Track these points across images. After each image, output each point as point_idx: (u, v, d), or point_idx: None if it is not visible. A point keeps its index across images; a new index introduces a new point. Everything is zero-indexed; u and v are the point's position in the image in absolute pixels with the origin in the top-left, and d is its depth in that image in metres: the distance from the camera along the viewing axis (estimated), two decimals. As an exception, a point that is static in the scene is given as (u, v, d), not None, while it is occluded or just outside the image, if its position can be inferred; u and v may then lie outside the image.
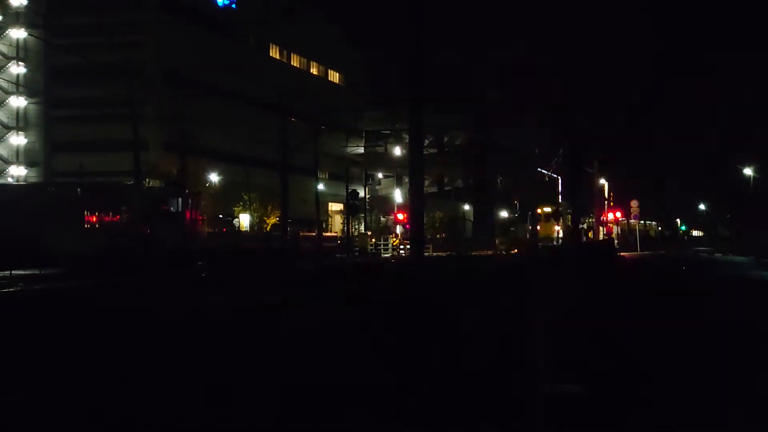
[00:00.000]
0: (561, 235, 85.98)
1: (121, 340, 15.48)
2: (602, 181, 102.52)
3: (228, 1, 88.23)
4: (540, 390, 9.09)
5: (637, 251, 79.77)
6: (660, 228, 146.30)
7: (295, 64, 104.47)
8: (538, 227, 78.24)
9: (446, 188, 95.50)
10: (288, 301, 23.25)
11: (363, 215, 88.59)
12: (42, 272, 39.04)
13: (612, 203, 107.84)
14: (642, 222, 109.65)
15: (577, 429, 9.35)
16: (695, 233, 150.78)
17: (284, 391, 10.94)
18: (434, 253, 62.10)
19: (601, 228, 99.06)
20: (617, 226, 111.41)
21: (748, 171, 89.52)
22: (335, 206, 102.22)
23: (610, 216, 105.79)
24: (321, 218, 74.77)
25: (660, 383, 11.64)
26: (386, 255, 72.68)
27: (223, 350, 14.31)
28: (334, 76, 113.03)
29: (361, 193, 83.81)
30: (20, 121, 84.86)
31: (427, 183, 60.44)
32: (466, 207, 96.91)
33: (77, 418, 9.76)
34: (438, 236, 78.85)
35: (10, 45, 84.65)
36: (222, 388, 11.17)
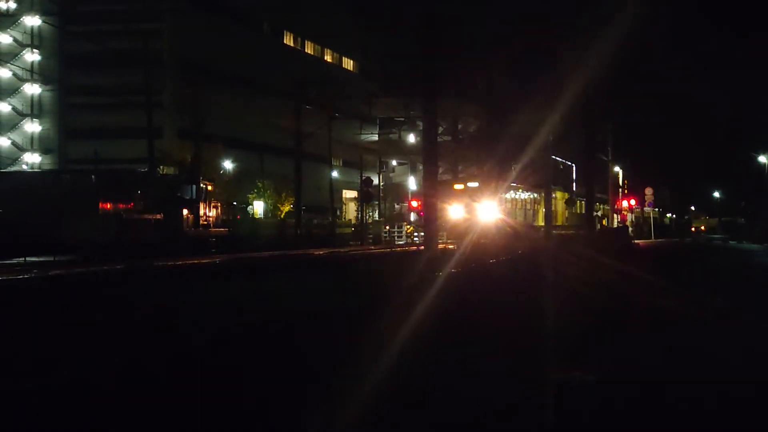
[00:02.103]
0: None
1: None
2: (616, 168, 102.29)
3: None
4: (551, 378, 9.09)
5: (651, 239, 79.60)
6: (674, 216, 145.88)
7: (309, 52, 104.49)
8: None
9: (460, 176, 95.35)
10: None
11: (377, 202, 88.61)
12: (56, 259, 39.17)
13: (626, 191, 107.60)
14: (656, 209, 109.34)
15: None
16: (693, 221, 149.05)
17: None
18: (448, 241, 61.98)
19: (615, 215, 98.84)
20: (632, 213, 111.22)
21: (763, 159, 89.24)
22: (349, 193, 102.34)
23: (624, 204, 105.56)
24: (335, 206, 74.85)
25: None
26: (400, 242, 72.68)
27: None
28: (348, 64, 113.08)
29: (375, 181, 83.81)
30: (35, 109, 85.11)
31: (441, 170, 60.49)
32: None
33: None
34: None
35: (25, 32, 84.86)
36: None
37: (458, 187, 59.58)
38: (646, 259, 42.05)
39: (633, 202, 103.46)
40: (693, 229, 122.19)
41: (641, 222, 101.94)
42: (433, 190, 42.23)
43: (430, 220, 39.70)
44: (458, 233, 52.49)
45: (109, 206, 52.78)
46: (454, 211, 57.18)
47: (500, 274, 26.69)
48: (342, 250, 57.17)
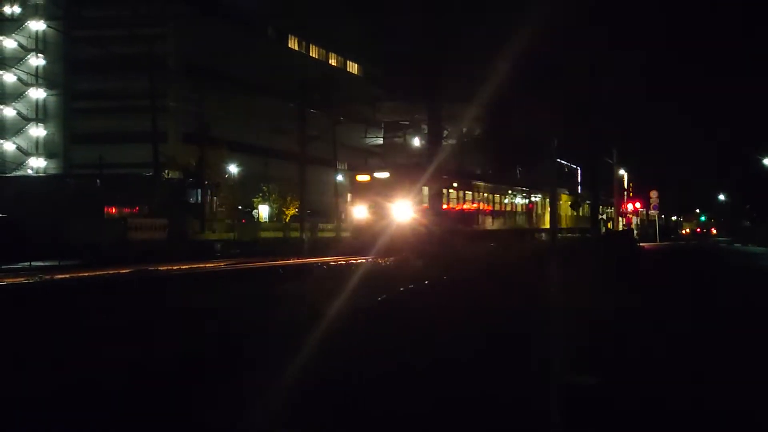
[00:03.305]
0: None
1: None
2: (621, 171, 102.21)
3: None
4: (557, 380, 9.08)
5: (656, 242, 79.50)
6: (681, 219, 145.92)
7: (314, 56, 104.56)
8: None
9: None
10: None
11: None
12: (61, 263, 39.17)
13: (631, 194, 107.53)
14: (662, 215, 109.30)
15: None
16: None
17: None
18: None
19: (620, 218, 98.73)
20: (637, 216, 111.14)
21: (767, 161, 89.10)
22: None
23: (630, 207, 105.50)
24: (340, 209, 74.82)
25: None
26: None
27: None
28: (352, 67, 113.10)
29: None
30: (40, 113, 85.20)
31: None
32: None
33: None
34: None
35: (30, 37, 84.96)
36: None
37: (362, 178, 48.07)
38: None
39: (638, 205, 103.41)
40: (684, 232, 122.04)
41: (646, 225, 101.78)
42: (439, 197, 42.99)
43: (436, 224, 40.13)
44: (364, 240, 43.86)
45: (114, 210, 52.88)
46: (358, 211, 46.80)
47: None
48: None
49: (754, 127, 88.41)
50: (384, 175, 47.48)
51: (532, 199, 69.56)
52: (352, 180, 50.31)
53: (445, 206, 49.17)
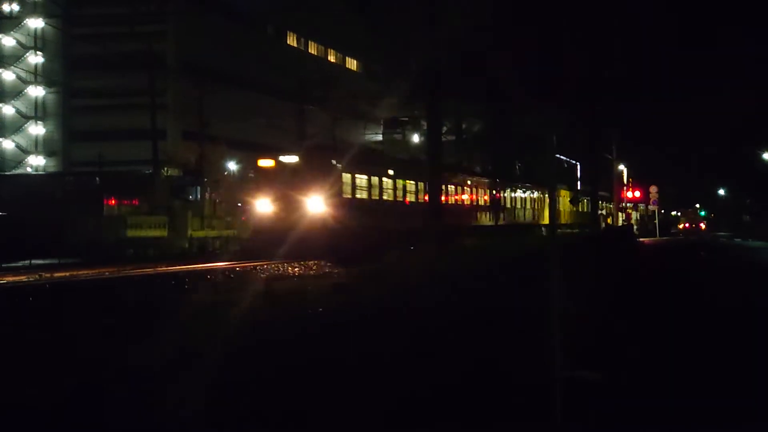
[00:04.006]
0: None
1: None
2: (621, 166, 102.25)
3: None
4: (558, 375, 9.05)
5: (656, 237, 79.51)
6: (679, 214, 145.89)
7: (312, 52, 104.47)
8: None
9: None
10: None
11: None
12: (61, 261, 39.19)
13: (631, 189, 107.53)
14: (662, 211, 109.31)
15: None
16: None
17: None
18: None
19: (620, 214, 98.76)
20: (636, 212, 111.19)
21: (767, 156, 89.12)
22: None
23: (629, 195, 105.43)
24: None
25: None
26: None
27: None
28: (351, 64, 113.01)
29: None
30: (39, 111, 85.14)
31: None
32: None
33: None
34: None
35: (28, 35, 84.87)
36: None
37: (265, 164, 40.27)
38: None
39: (638, 194, 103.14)
40: (681, 226, 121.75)
41: (646, 220, 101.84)
42: (438, 193, 41.70)
43: (434, 218, 39.58)
44: (266, 240, 37.25)
45: (113, 207, 52.84)
46: (261, 205, 39.23)
47: None
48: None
49: (755, 122, 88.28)
50: (292, 159, 39.70)
51: (506, 192, 65.58)
52: (254, 166, 42.27)
53: (386, 198, 43.78)
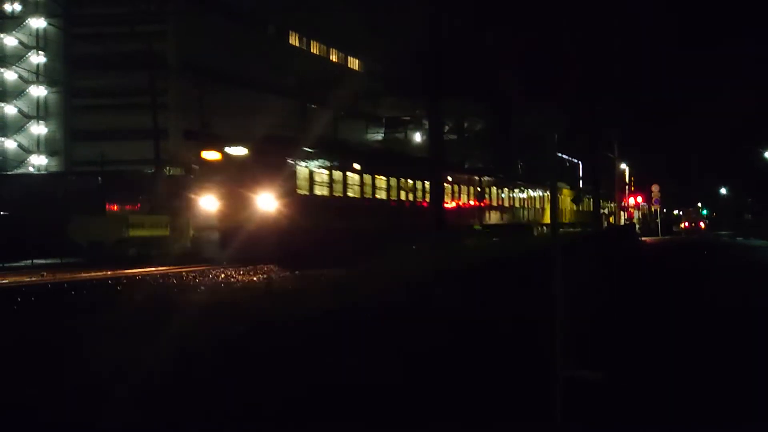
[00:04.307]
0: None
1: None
2: (623, 165, 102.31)
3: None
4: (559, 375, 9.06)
5: (658, 236, 79.52)
6: (681, 213, 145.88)
7: (314, 52, 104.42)
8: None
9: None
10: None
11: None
12: (63, 261, 39.23)
13: (633, 188, 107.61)
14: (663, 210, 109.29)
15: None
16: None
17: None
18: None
19: (622, 213, 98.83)
20: (638, 210, 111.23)
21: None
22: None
23: (631, 201, 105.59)
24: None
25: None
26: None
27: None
28: (353, 63, 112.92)
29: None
30: (40, 111, 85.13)
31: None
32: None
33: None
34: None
35: (30, 34, 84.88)
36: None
37: (210, 156, 36.11)
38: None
39: (639, 199, 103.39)
40: (683, 225, 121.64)
41: (648, 219, 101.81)
42: (440, 193, 41.27)
43: (437, 217, 39.38)
44: (212, 241, 34.76)
45: (115, 208, 52.87)
46: (205, 202, 35.28)
47: None
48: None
49: (757, 121, 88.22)
50: (241, 150, 35.60)
51: (508, 191, 64.43)
52: (197, 157, 37.33)
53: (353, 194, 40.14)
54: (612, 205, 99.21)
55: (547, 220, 67.55)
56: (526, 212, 68.99)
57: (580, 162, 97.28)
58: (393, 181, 44.30)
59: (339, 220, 37.40)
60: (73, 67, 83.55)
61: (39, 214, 46.36)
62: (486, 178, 60.13)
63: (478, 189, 57.35)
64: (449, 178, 52.53)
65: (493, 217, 60.03)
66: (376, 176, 42.50)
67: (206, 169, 36.18)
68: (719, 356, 12.29)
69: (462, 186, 53.72)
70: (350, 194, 39.74)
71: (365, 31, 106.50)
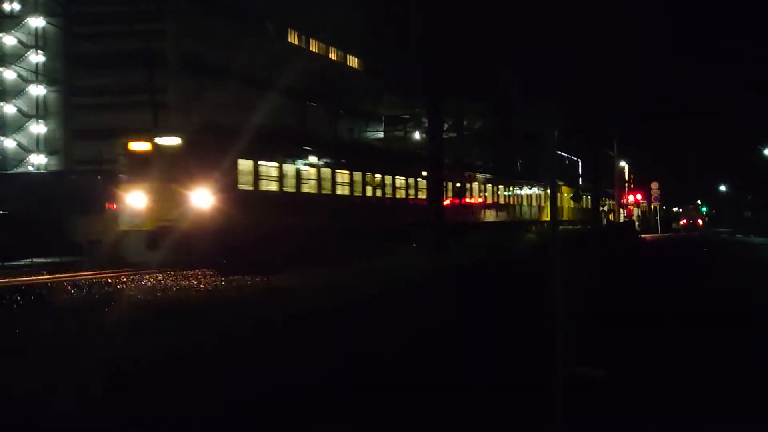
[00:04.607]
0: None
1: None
2: (622, 163, 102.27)
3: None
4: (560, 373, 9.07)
5: (658, 233, 79.52)
6: (681, 210, 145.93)
7: (313, 50, 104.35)
8: None
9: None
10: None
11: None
12: (62, 260, 39.21)
13: (632, 185, 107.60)
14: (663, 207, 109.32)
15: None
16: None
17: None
18: None
19: (621, 210, 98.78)
20: (638, 208, 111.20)
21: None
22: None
23: (630, 198, 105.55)
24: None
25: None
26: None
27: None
28: (352, 61, 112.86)
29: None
30: (40, 110, 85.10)
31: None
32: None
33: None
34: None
35: (29, 33, 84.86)
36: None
37: (138, 146, 32.44)
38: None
39: (639, 196, 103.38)
40: (682, 222, 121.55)
41: (648, 216, 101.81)
42: (438, 191, 40.55)
43: (436, 216, 39.05)
44: (138, 243, 30.64)
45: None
46: (132, 199, 31.64)
47: None
48: None
49: (757, 118, 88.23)
50: (173, 141, 31.93)
51: (507, 189, 63.72)
52: (124, 149, 32.99)
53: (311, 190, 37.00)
54: (611, 202, 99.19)
55: (547, 217, 67.48)
56: (525, 210, 68.93)
57: (579, 160, 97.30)
58: (368, 177, 41.39)
59: (290, 218, 34.23)
60: (72, 66, 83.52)
61: (39, 213, 46.33)
62: (483, 176, 60.04)
63: (476, 187, 57.27)
64: (468, 177, 52.91)
65: (491, 215, 59.92)
66: (339, 171, 39.19)
67: (134, 162, 32.07)
68: (718, 356, 12.31)
69: (458, 184, 53.17)
70: (306, 190, 36.35)
71: (364, 29, 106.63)
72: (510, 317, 14.15)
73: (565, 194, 75.82)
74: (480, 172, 60.62)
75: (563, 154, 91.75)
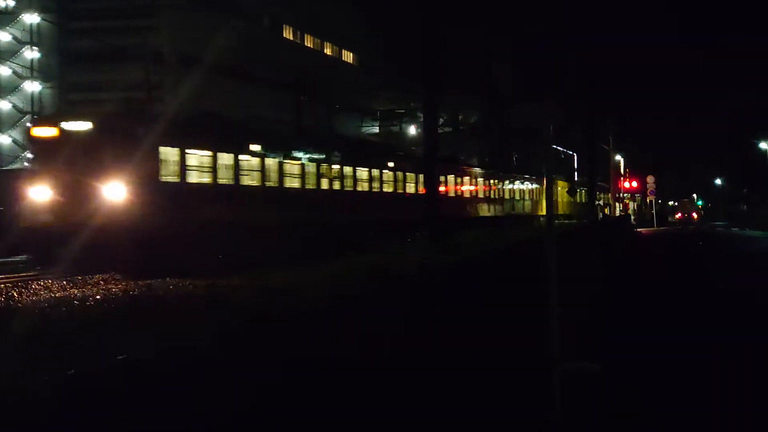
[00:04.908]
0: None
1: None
2: (617, 157, 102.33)
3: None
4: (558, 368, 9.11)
5: (653, 227, 79.62)
6: (676, 204, 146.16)
7: (309, 45, 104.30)
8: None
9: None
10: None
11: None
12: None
13: (628, 179, 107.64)
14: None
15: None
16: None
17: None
18: None
19: (617, 204, 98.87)
20: (633, 202, 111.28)
21: (764, 145, 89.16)
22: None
23: (626, 185, 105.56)
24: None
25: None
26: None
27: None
28: (348, 57, 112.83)
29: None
30: (35, 106, 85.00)
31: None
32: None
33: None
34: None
35: (24, 30, 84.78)
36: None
37: (43, 132, 28.61)
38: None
39: (635, 184, 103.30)
40: (677, 216, 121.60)
41: (643, 210, 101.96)
42: (434, 187, 39.92)
43: (431, 211, 38.81)
44: (40, 242, 26.89)
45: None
46: (37, 190, 27.76)
47: None
48: None
49: (753, 111, 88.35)
50: (83, 126, 27.92)
51: (502, 183, 63.48)
52: (28, 136, 30.09)
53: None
54: (607, 196, 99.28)
55: (542, 212, 67.43)
56: (520, 204, 68.99)
57: (575, 154, 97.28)
58: (324, 168, 37.77)
59: (230, 214, 30.49)
60: (67, 62, 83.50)
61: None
62: (478, 170, 60.04)
63: (468, 180, 57.21)
64: (462, 172, 51.99)
65: (486, 210, 59.89)
66: (288, 161, 35.17)
67: (39, 150, 28.83)
68: (717, 356, 12.36)
69: (449, 177, 52.59)
70: (248, 183, 32.26)
71: (360, 24, 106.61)
72: (508, 313, 14.18)
73: (561, 188, 75.83)
74: (475, 167, 60.55)
75: (559, 148, 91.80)
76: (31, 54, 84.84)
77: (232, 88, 79.95)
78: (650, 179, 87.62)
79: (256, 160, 32.95)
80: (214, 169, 30.31)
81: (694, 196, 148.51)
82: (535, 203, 71.56)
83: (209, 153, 30.17)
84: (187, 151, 28.95)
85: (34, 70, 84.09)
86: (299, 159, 36.09)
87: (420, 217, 32.60)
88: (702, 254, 36.05)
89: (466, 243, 30.70)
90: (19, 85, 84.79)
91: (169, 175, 28.24)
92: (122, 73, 67.66)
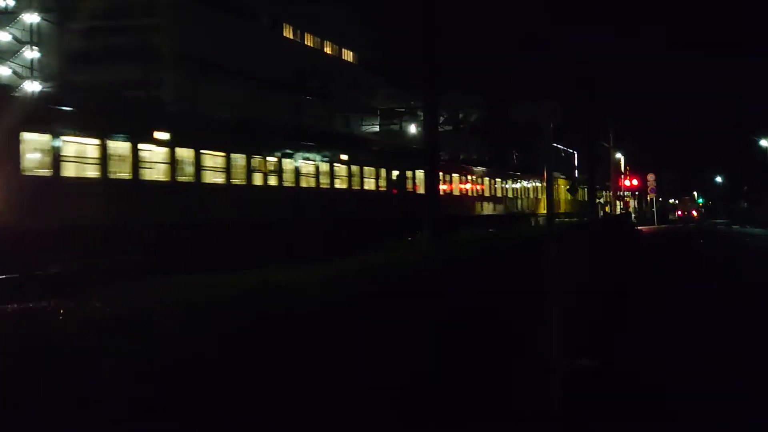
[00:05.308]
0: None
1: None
2: (618, 155, 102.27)
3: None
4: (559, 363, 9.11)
5: (654, 225, 79.62)
6: (677, 202, 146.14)
7: (309, 44, 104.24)
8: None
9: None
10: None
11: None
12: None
13: (628, 178, 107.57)
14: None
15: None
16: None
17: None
18: None
19: (618, 202, 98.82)
20: (634, 200, 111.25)
21: (765, 143, 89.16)
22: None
23: (627, 183, 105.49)
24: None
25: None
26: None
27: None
28: (348, 55, 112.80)
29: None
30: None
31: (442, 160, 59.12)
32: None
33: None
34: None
35: (24, 29, 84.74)
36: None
37: None
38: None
39: (635, 182, 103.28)
40: (679, 213, 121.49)
41: (644, 208, 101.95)
42: (435, 186, 39.59)
43: (431, 210, 38.65)
44: None
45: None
46: None
47: None
48: None
49: (753, 109, 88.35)
50: None
51: (502, 182, 63.23)
52: None
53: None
54: (608, 194, 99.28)
55: (543, 210, 67.37)
56: (521, 203, 68.92)
57: (575, 152, 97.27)
58: (257, 160, 33.46)
59: (127, 216, 26.06)
60: (67, 61, 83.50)
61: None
62: (478, 168, 60.03)
63: (468, 179, 57.21)
64: (462, 170, 51.46)
65: (486, 208, 59.85)
66: (205, 152, 30.24)
67: None
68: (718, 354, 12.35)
69: (447, 176, 52.53)
70: (153, 177, 27.49)
71: (359, 22, 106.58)
72: (510, 311, 14.17)
73: (561, 186, 75.83)
74: (475, 165, 60.54)
75: (559, 146, 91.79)
76: (31, 54, 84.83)
77: (232, 85, 80.00)
78: (651, 177, 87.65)
79: (163, 151, 27.91)
80: (103, 160, 25.44)
81: (695, 193, 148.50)
82: (536, 201, 71.52)
83: (97, 141, 25.38)
84: (63, 138, 24.23)
85: (35, 70, 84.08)
86: (223, 150, 31.43)
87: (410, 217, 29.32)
88: (702, 255, 36.01)
89: (467, 241, 30.60)
90: (19, 86, 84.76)
91: (37, 167, 23.87)
92: (122, 72, 67.78)
